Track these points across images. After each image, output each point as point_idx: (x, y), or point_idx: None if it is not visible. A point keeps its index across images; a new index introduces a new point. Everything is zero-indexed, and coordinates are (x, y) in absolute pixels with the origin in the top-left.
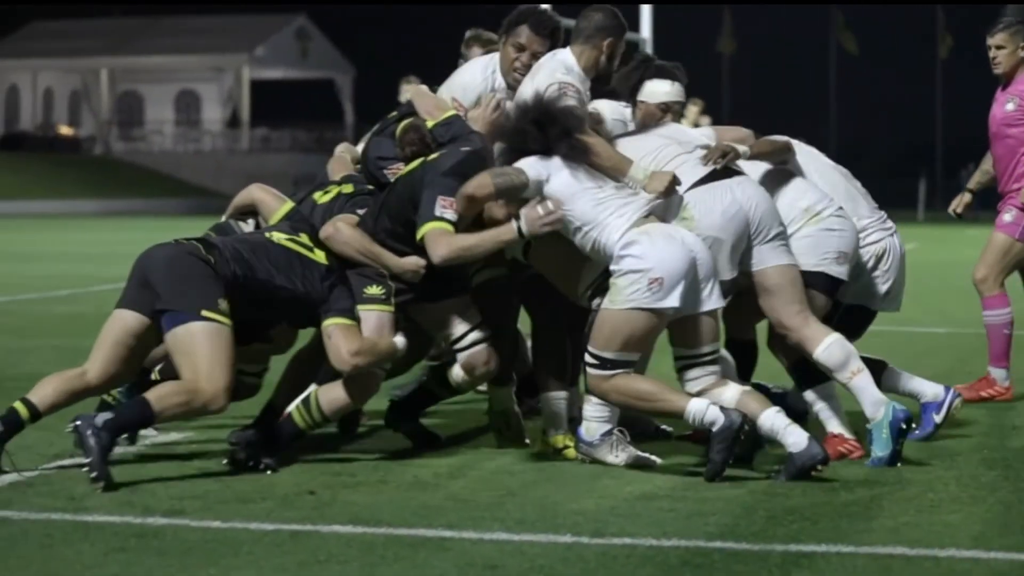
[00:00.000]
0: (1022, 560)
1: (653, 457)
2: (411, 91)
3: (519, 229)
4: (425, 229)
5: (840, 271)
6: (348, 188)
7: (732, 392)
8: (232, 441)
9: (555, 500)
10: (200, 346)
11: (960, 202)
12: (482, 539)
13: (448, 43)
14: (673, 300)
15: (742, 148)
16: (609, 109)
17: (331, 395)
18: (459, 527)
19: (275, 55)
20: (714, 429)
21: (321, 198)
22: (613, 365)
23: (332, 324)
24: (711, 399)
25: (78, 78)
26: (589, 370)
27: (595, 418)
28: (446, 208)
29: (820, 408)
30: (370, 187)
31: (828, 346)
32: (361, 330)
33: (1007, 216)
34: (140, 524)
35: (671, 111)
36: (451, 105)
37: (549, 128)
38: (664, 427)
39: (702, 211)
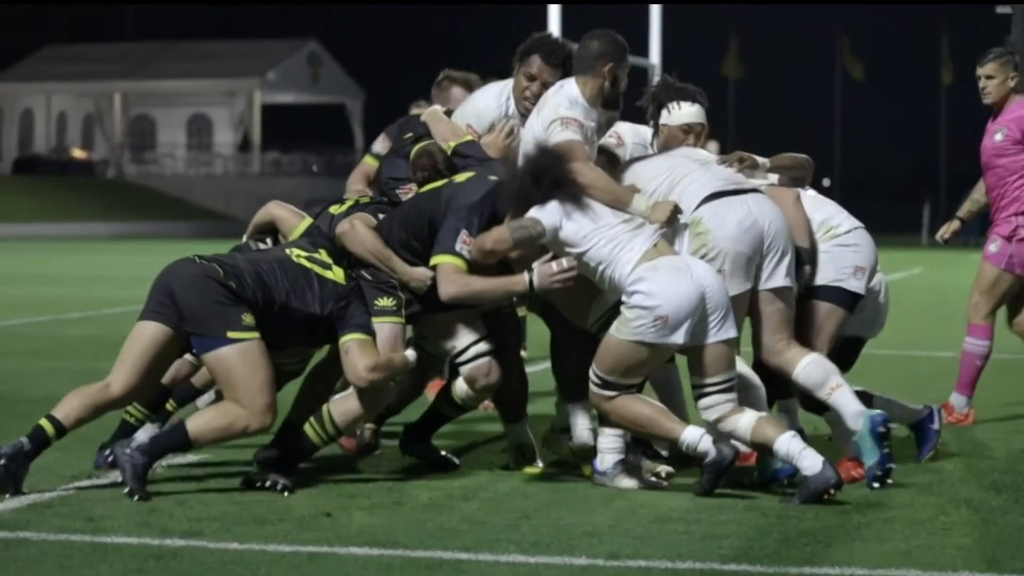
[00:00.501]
0: None
1: (664, 482)
2: (426, 114)
3: (531, 281)
4: (440, 260)
5: (858, 286)
6: (365, 199)
7: (748, 419)
8: (258, 460)
9: (570, 522)
10: (234, 369)
11: (948, 229)
12: (498, 561)
13: (456, 68)
14: (678, 337)
15: (761, 159)
16: (631, 132)
17: (343, 407)
18: (475, 549)
19: (286, 80)
20: (705, 460)
21: (337, 210)
22: (615, 387)
23: (350, 339)
24: (727, 426)
25: (91, 102)
26: (592, 388)
27: (609, 449)
28: (465, 244)
29: (837, 434)
30: (387, 199)
31: (806, 366)
32: (376, 343)
33: (992, 247)
34: (158, 545)
35: (693, 132)
36: (465, 131)
37: (542, 181)
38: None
39: (716, 223)
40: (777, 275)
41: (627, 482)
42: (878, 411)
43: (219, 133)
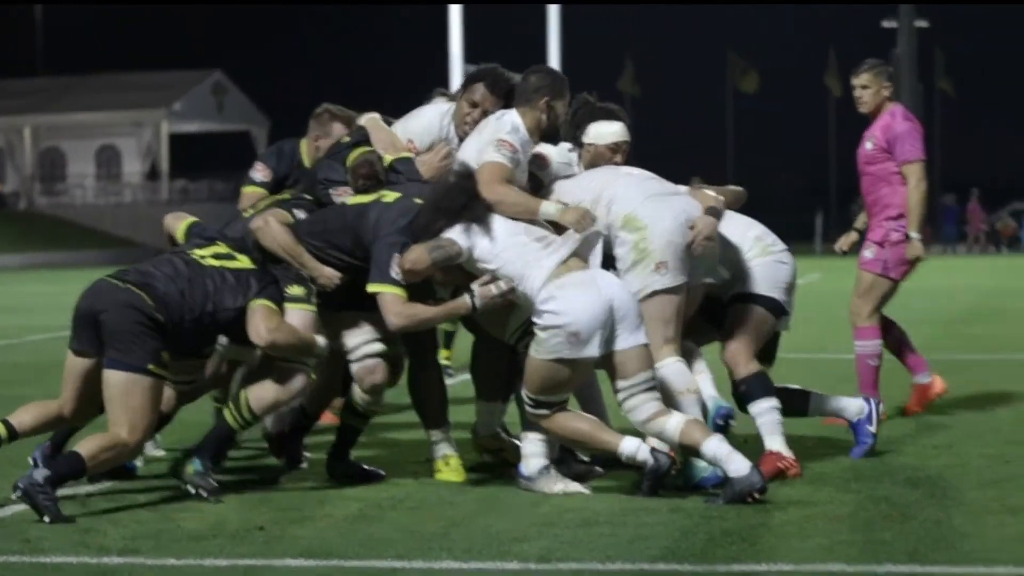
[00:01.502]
0: (958, 574)
1: (585, 488)
2: (366, 120)
3: (472, 304)
4: (380, 289)
5: (787, 300)
6: (285, 195)
7: (676, 421)
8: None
9: (498, 529)
10: (141, 401)
11: (847, 241)
12: (432, 568)
13: (357, 95)
14: (592, 349)
15: (716, 194)
16: (556, 153)
17: (259, 393)
18: (408, 557)
19: (192, 109)
20: (645, 468)
21: (249, 212)
22: (547, 405)
23: (258, 304)
24: (655, 428)
25: (2, 136)
26: (527, 409)
27: (533, 454)
28: (400, 273)
29: (761, 424)
30: (308, 197)
31: (669, 365)
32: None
33: (867, 253)
34: (97, 564)
35: (620, 150)
36: (406, 145)
37: (445, 206)
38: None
39: (653, 219)
40: (697, 273)
41: (553, 485)
42: (725, 405)
43: (128, 163)
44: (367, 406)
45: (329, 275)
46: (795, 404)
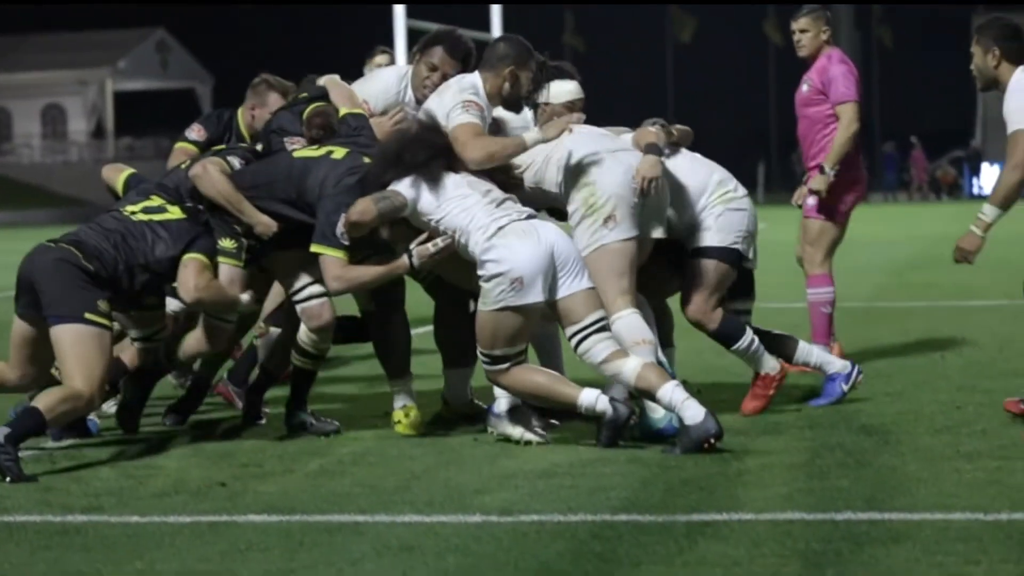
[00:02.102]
0: (915, 520)
1: (547, 435)
2: (325, 79)
3: (411, 263)
4: (322, 251)
5: (746, 248)
6: (221, 147)
7: (633, 364)
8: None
9: (459, 482)
10: (87, 349)
11: (800, 195)
12: (395, 522)
13: (301, 52)
14: (536, 295)
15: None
16: (511, 115)
17: (187, 344)
18: (371, 511)
19: (137, 67)
20: (604, 418)
21: (185, 165)
22: (503, 360)
23: (190, 257)
24: (612, 369)
25: None
26: (484, 367)
27: (504, 395)
28: (344, 234)
29: (747, 358)
30: (243, 145)
31: (625, 317)
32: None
33: (810, 200)
34: (61, 522)
35: (575, 108)
36: (361, 105)
37: (411, 162)
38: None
39: (601, 173)
40: (648, 228)
41: (514, 430)
42: (670, 425)
43: (73, 122)
44: (315, 345)
45: (267, 223)
46: (783, 350)
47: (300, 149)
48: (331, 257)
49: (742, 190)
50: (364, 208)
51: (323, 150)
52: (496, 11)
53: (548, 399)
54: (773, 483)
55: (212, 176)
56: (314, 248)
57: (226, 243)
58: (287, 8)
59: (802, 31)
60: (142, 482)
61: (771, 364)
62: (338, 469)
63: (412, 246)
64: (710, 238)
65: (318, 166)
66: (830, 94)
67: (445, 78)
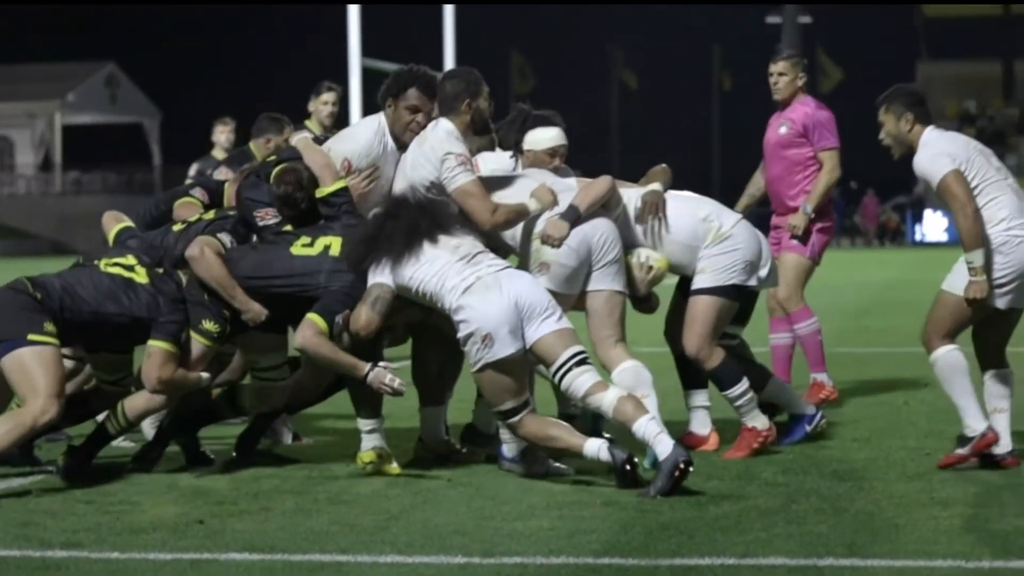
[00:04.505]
0: (898, 567)
1: (568, 467)
2: (299, 142)
3: (366, 375)
4: (313, 317)
5: (747, 279)
6: (210, 215)
7: (612, 396)
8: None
9: (437, 523)
10: (30, 367)
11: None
12: (377, 562)
13: (251, 90)
14: (507, 347)
15: (658, 187)
16: (493, 160)
17: (133, 403)
18: (351, 551)
19: (85, 101)
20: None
21: (179, 228)
22: (513, 412)
23: (156, 345)
24: (594, 403)
25: None
26: (500, 419)
27: (512, 439)
28: (340, 319)
29: (737, 407)
30: (231, 213)
31: (623, 370)
32: (184, 353)
33: (794, 240)
34: (40, 557)
35: (558, 154)
36: (342, 167)
37: (388, 249)
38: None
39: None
40: (607, 279)
41: (530, 469)
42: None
43: (21, 154)
44: (249, 410)
45: (258, 312)
46: (754, 379)
47: (296, 243)
48: (317, 324)
49: (729, 221)
50: (367, 320)
51: (320, 245)
52: (450, 52)
53: (558, 448)
54: (751, 528)
55: (208, 260)
56: (309, 314)
57: (208, 325)
58: (237, 44)
59: (780, 74)
60: (118, 518)
61: (761, 420)
62: (314, 508)
63: (379, 366)
64: (704, 280)
65: (320, 265)
66: (814, 139)
67: (429, 116)
